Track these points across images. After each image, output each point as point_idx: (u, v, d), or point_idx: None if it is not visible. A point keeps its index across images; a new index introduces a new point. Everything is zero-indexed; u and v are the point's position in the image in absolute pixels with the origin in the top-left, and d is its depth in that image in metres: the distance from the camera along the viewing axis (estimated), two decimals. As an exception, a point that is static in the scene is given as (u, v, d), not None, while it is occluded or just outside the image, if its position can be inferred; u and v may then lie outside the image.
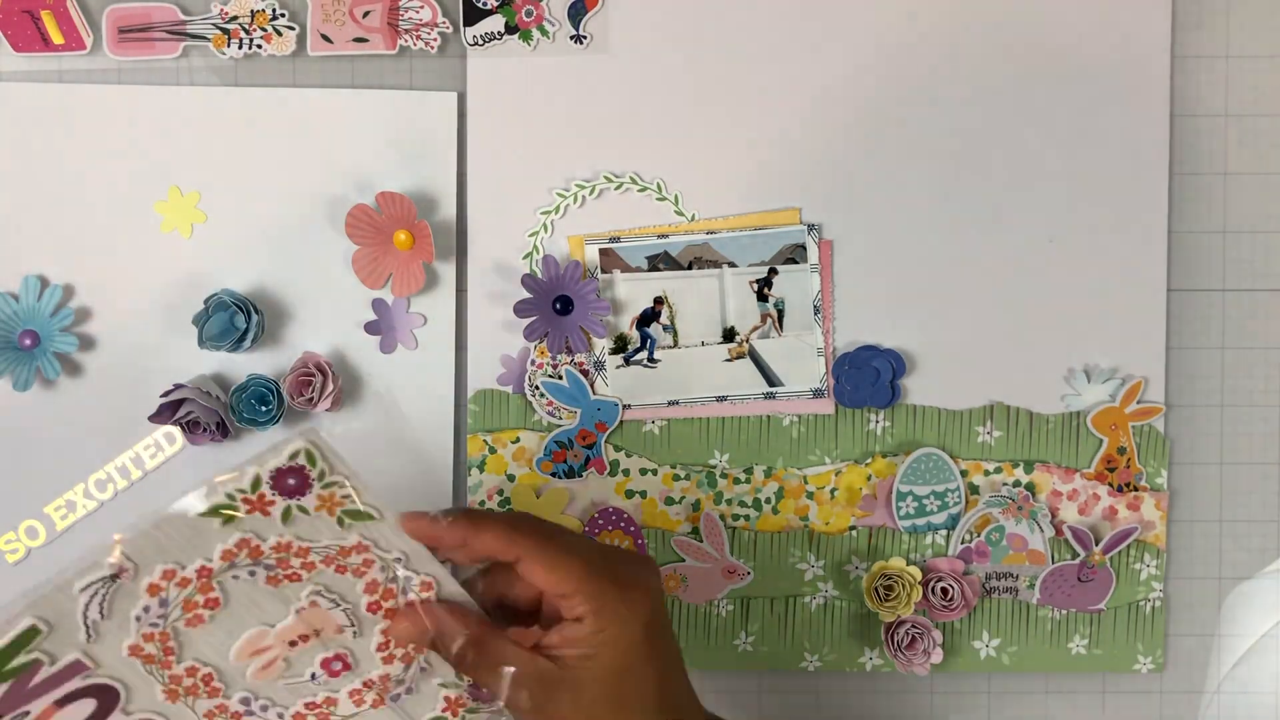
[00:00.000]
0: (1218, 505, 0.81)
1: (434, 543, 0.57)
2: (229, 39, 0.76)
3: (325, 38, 0.77)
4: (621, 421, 0.79)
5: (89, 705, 0.54)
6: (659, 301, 0.78)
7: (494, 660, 0.57)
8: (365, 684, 0.58)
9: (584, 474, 0.79)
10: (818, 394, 0.79)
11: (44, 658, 0.52)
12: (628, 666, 0.57)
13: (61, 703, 0.53)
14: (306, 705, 0.58)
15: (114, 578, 0.52)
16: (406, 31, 0.77)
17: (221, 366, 0.78)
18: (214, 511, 0.53)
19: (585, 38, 0.78)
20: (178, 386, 0.76)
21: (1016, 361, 0.79)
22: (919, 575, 0.78)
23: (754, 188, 0.78)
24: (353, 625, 0.57)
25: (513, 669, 0.56)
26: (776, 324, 0.79)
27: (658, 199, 0.78)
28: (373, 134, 0.78)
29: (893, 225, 0.78)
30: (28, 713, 0.53)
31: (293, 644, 0.56)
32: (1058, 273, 0.78)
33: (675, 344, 0.78)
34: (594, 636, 0.56)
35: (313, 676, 0.57)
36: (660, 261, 0.78)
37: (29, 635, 0.51)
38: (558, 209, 0.78)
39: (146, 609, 0.54)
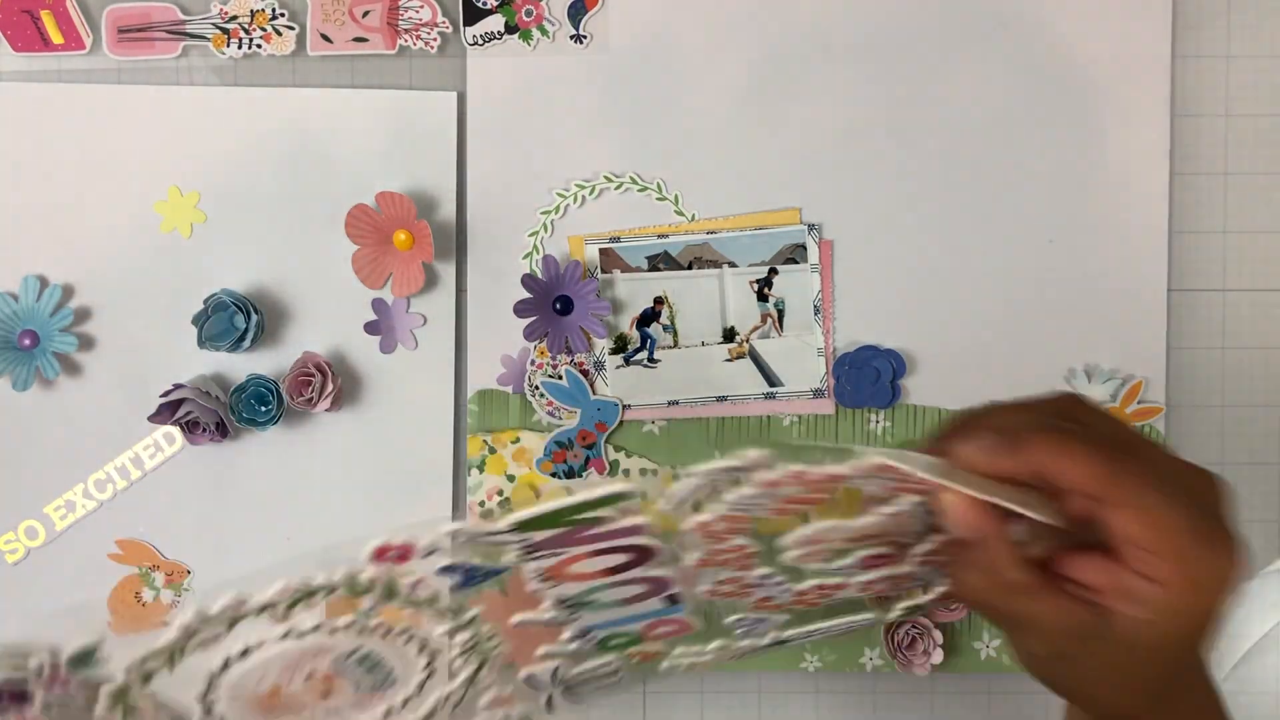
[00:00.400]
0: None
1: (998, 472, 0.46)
2: (229, 39, 0.76)
3: (325, 38, 0.77)
4: (621, 421, 0.79)
5: (620, 558, 0.51)
6: (659, 301, 0.78)
7: (1021, 594, 0.46)
8: (884, 579, 0.54)
9: (584, 474, 0.79)
10: (818, 394, 0.79)
11: (614, 515, 0.47)
12: (1179, 643, 0.46)
13: (597, 553, 0.49)
14: (818, 587, 0.54)
15: (738, 470, 0.47)
16: (406, 31, 0.77)
17: (221, 366, 0.78)
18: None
19: (585, 38, 0.78)
20: (178, 386, 0.76)
21: (1016, 361, 0.79)
22: (919, 575, 0.78)
23: (754, 188, 0.78)
24: (920, 536, 0.50)
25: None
26: (776, 324, 0.79)
27: (658, 199, 0.78)
28: (373, 134, 0.78)
29: (893, 225, 0.78)
30: (559, 553, 0.48)
31: (854, 540, 0.50)
32: (1058, 273, 0.78)
33: (675, 344, 0.78)
34: (1165, 604, 0.45)
35: (842, 567, 0.52)
36: (660, 261, 0.78)
37: (617, 498, 0.46)
38: (558, 209, 0.78)
39: (748, 496, 0.48)
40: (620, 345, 0.78)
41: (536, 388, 0.78)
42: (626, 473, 0.79)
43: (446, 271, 0.78)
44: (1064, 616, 0.46)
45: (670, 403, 0.79)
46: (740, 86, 0.78)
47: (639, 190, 0.78)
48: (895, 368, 0.78)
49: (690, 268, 0.78)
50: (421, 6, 0.77)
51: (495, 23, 0.77)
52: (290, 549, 0.79)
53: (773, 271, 0.78)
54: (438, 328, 0.79)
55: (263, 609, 0.46)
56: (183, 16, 0.76)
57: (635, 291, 0.78)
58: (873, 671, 0.81)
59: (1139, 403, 0.79)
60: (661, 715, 0.81)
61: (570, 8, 0.77)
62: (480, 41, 0.77)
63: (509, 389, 0.79)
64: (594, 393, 0.78)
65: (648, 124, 0.78)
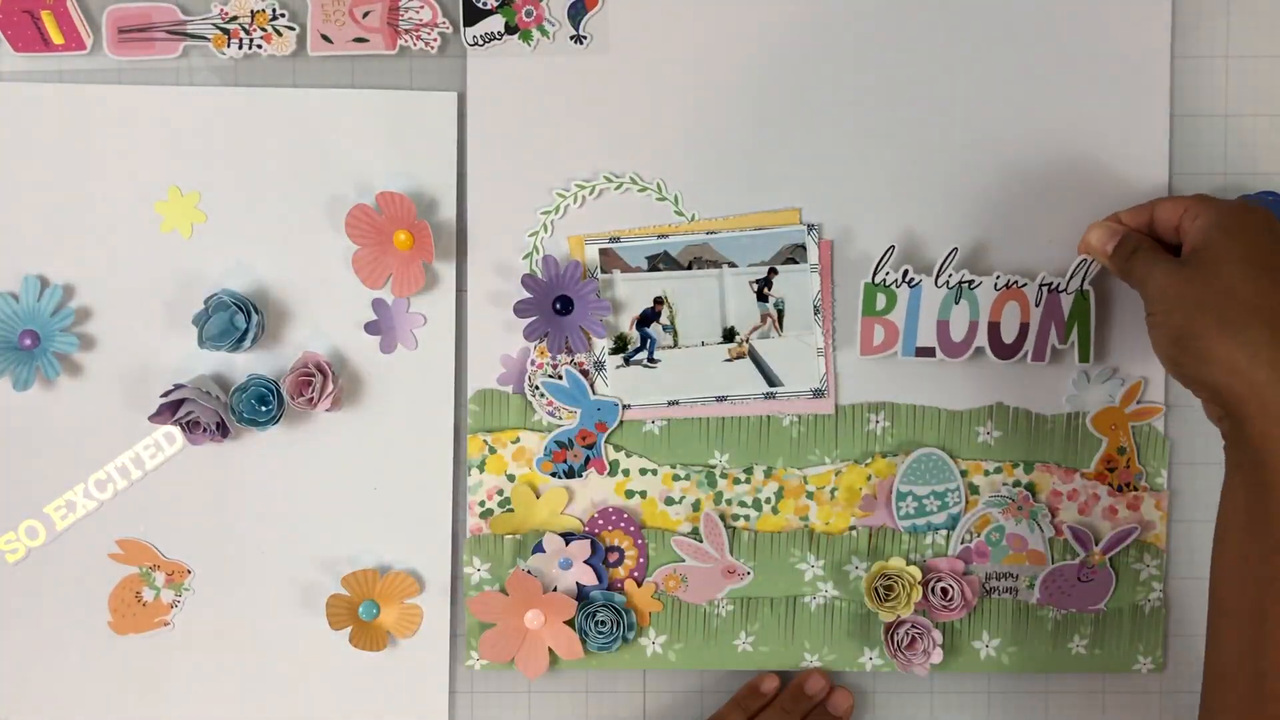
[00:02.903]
0: (1217, 504, 0.80)
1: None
2: (229, 39, 0.76)
3: (325, 38, 0.77)
4: (621, 421, 0.79)
5: None
6: (659, 301, 0.78)
7: (1155, 251, 0.70)
8: None
9: (584, 474, 0.79)
10: (818, 394, 0.79)
11: None
12: (1256, 240, 0.67)
13: None
14: None
15: None
16: (406, 31, 0.77)
17: (221, 366, 0.78)
18: None
19: (585, 38, 0.78)
20: (178, 386, 0.76)
21: (1017, 362, 0.79)
22: (919, 575, 0.78)
23: (754, 188, 0.78)
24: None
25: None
26: (776, 324, 0.79)
27: (658, 199, 0.78)
28: (373, 134, 0.78)
29: (893, 225, 0.78)
30: None
31: None
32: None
33: (675, 344, 0.78)
34: (1219, 217, 0.68)
35: None
36: (660, 261, 0.78)
37: None
38: (558, 209, 0.78)
39: None
40: (620, 345, 0.78)
41: (536, 387, 0.78)
42: (626, 473, 0.79)
43: (446, 271, 0.78)
44: (1169, 256, 0.69)
45: (670, 402, 0.79)
46: (740, 86, 0.78)
47: (639, 190, 0.78)
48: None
49: (690, 268, 0.78)
50: (421, 7, 0.77)
51: (495, 23, 0.77)
52: (290, 549, 0.79)
53: (772, 271, 0.78)
54: (438, 328, 0.79)
55: None
56: (183, 17, 0.76)
57: (635, 291, 0.78)
58: (872, 671, 0.81)
59: (1139, 403, 0.79)
60: (662, 714, 0.81)
61: (570, 8, 0.77)
62: (480, 42, 0.77)
63: (509, 389, 0.79)
64: (594, 392, 0.78)
65: (648, 124, 0.78)
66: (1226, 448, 0.68)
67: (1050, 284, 0.77)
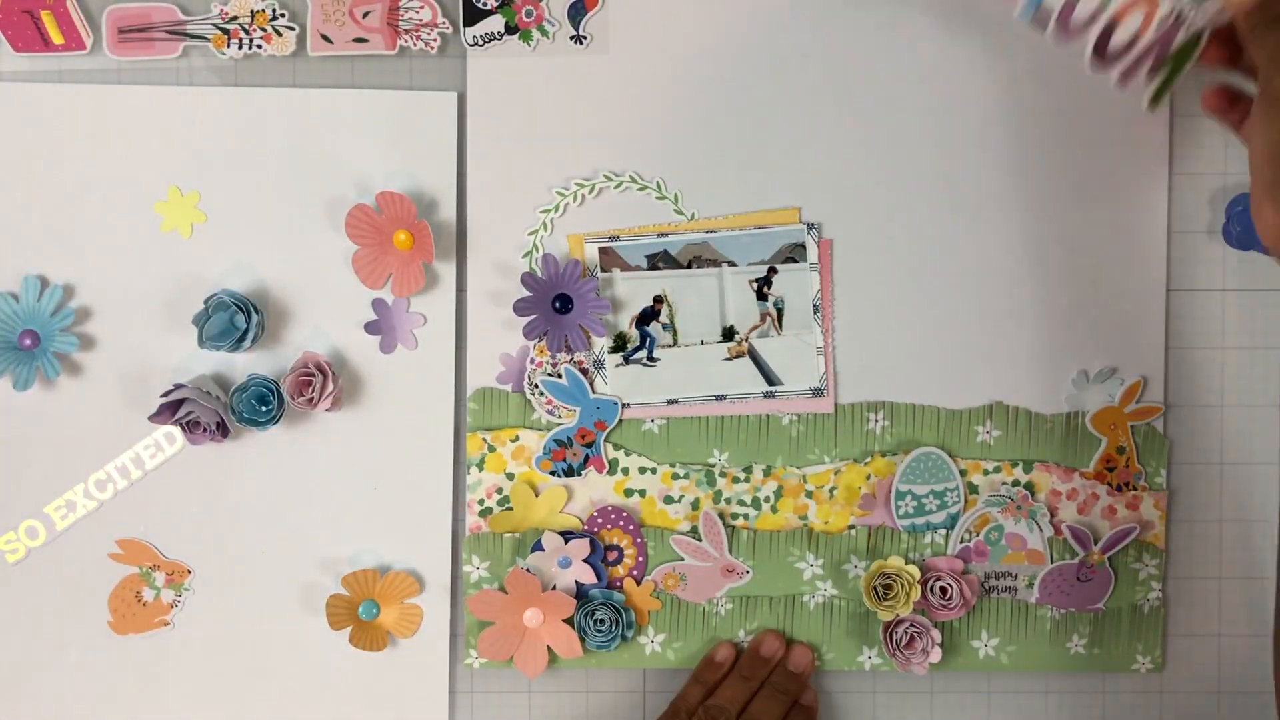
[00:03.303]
0: (1218, 505, 0.81)
1: None
2: (229, 39, 0.77)
3: (325, 38, 0.77)
4: (621, 420, 0.79)
5: None
6: (658, 300, 0.78)
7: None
8: None
9: (583, 472, 0.79)
10: (817, 393, 0.79)
11: None
12: None
13: None
14: None
15: None
16: (406, 32, 0.77)
17: (221, 366, 0.78)
18: None
19: (585, 38, 0.78)
20: (178, 386, 0.76)
21: (1016, 361, 0.79)
22: (918, 574, 0.78)
23: (754, 187, 0.78)
24: None
25: None
26: (776, 323, 0.79)
27: (657, 198, 0.78)
28: (373, 134, 0.78)
29: (893, 225, 0.79)
30: None
31: None
32: (1058, 273, 0.79)
33: (675, 343, 0.78)
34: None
35: None
36: (660, 260, 0.78)
37: None
38: (557, 208, 0.78)
39: None
40: (619, 344, 0.78)
41: (536, 386, 0.78)
42: (626, 471, 0.79)
43: (446, 271, 0.78)
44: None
45: (669, 401, 0.79)
46: (740, 86, 0.78)
47: (639, 189, 0.78)
48: None
49: (690, 266, 0.78)
50: (421, 7, 0.77)
51: (495, 23, 0.77)
52: (290, 549, 0.79)
53: (772, 270, 0.78)
54: (438, 327, 0.79)
55: None
56: (183, 17, 0.77)
57: (635, 290, 0.78)
58: (871, 670, 0.81)
59: (1138, 402, 0.79)
60: (661, 713, 0.81)
61: (570, 8, 0.77)
62: (480, 42, 0.77)
63: (508, 387, 0.79)
64: (593, 391, 0.79)
65: (647, 124, 0.78)
66: None
67: (1179, 12, 0.67)
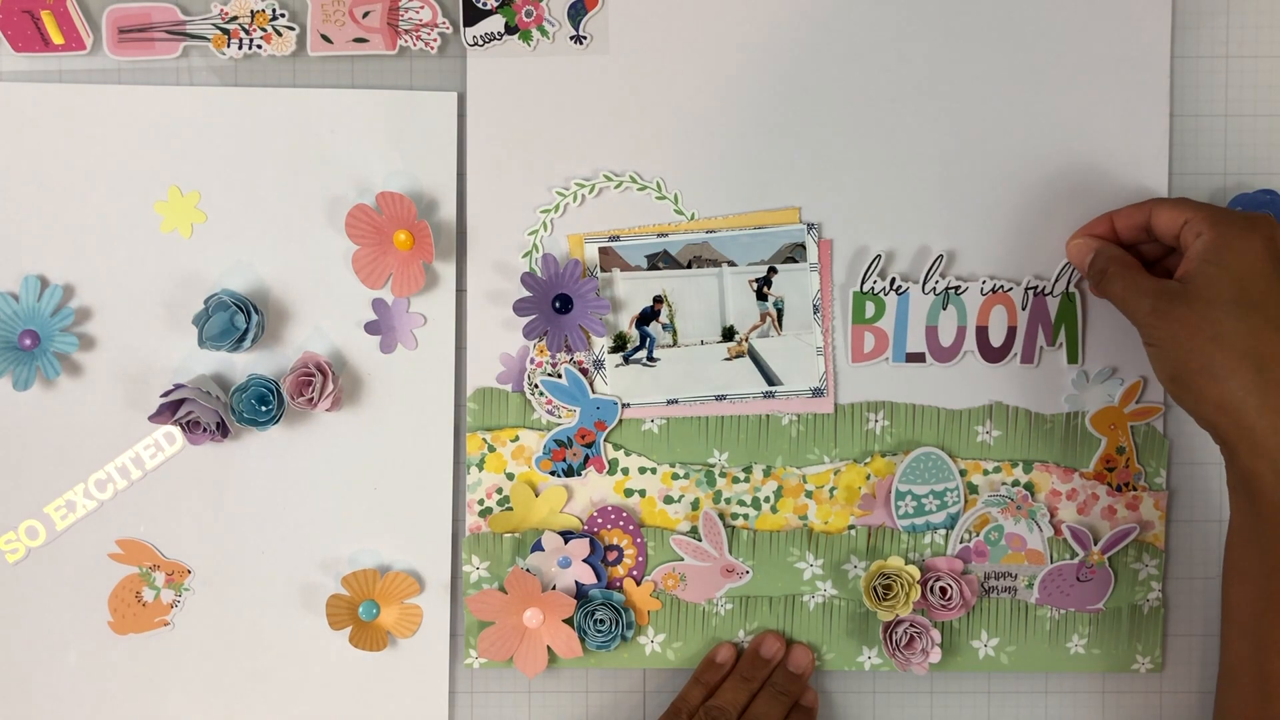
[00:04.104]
0: (1217, 505, 0.81)
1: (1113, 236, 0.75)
2: (229, 39, 0.77)
3: (325, 38, 0.77)
4: (621, 420, 0.79)
5: None
6: (658, 300, 0.78)
7: (1129, 275, 0.71)
8: None
9: (583, 472, 0.79)
10: (817, 393, 0.79)
11: None
12: (1250, 273, 0.67)
13: None
14: None
15: None
16: (406, 32, 0.77)
17: (221, 366, 0.78)
18: None
19: (585, 38, 0.78)
20: (178, 386, 0.76)
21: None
22: (917, 574, 0.78)
23: (754, 187, 0.78)
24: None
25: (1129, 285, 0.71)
26: (776, 323, 0.79)
27: (657, 198, 0.78)
28: (373, 134, 0.78)
29: (893, 225, 0.78)
30: None
31: None
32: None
33: (675, 343, 0.78)
34: (1216, 245, 0.68)
35: None
36: (660, 260, 0.78)
37: None
38: (557, 208, 0.78)
39: None
40: (619, 344, 0.78)
41: (536, 386, 0.79)
42: (626, 471, 0.79)
43: (446, 271, 0.78)
44: (1152, 285, 0.69)
45: (669, 401, 0.79)
46: (740, 86, 0.78)
47: (638, 189, 0.78)
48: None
49: (690, 266, 0.78)
50: (421, 7, 0.77)
51: (495, 23, 0.77)
52: (290, 549, 0.79)
53: (772, 270, 0.78)
54: (438, 328, 0.79)
55: None
56: (183, 17, 0.77)
57: (635, 290, 0.78)
58: (871, 670, 0.81)
59: (1138, 402, 0.79)
60: (661, 713, 0.81)
61: (570, 8, 0.77)
62: (480, 42, 0.77)
63: (508, 387, 0.79)
64: (593, 391, 0.79)
65: (647, 124, 0.78)
66: (1225, 466, 0.70)
67: (1035, 287, 0.77)
